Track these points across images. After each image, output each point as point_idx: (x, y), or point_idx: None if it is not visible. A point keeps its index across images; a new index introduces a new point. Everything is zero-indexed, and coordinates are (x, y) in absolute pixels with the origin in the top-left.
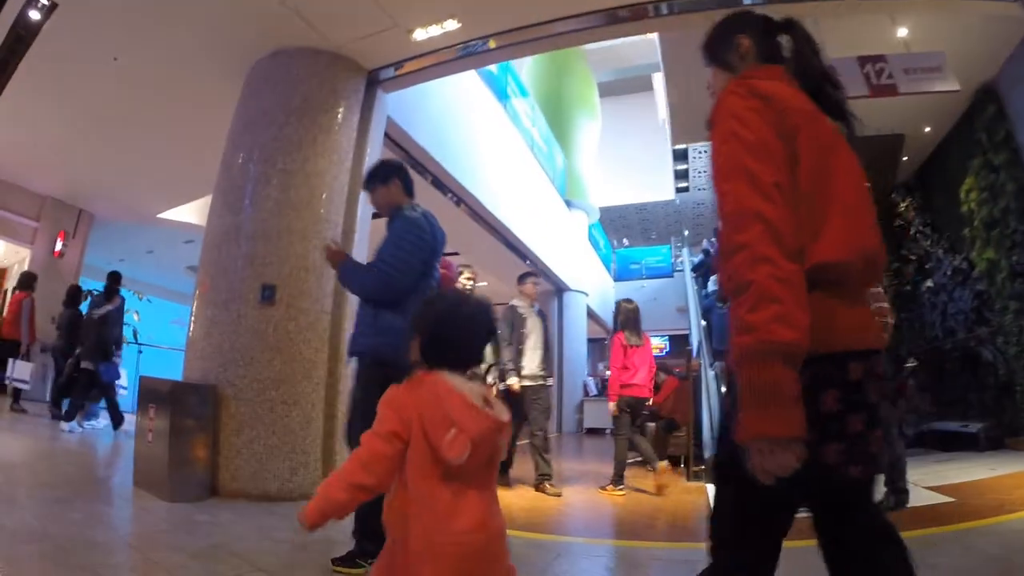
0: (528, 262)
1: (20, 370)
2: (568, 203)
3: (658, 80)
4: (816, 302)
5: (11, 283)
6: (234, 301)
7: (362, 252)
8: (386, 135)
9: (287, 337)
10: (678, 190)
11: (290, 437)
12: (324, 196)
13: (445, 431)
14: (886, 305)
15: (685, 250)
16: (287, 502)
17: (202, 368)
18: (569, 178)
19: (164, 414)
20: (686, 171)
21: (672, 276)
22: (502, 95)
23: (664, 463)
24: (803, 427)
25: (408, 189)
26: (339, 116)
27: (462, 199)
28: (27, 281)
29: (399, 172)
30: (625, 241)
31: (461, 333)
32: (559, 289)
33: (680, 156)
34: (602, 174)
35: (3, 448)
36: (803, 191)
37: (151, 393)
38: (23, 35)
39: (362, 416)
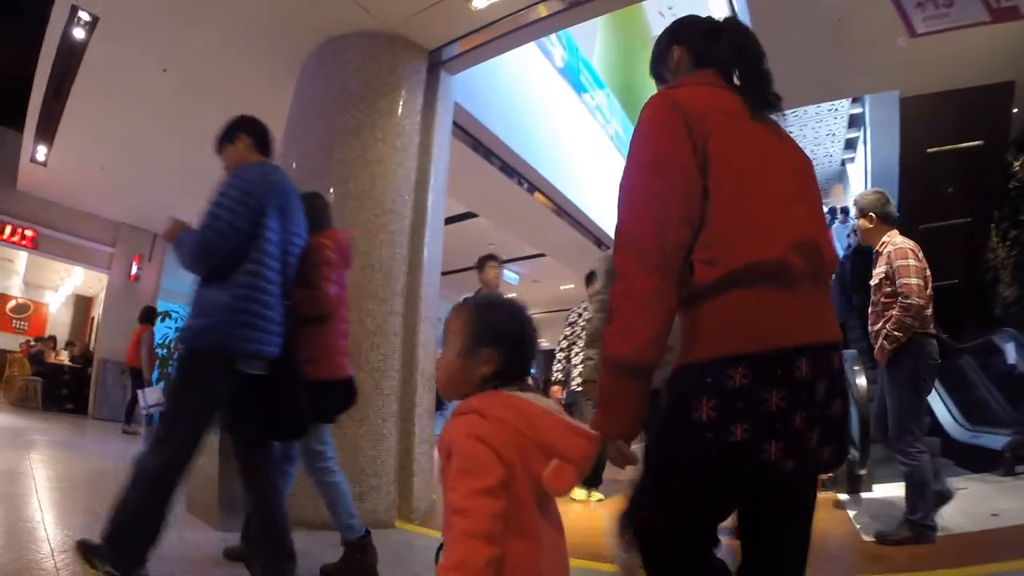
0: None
1: (151, 396)
2: None
3: None
4: (758, 299)
5: (97, 310)
6: None
7: (435, 248)
8: (454, 123)
9: (352, 343)
10: None
11: (358, 457)
12: (387, 185)
13: (544, 461)
14: (912, 281)
15: None
16: None
17: None
18: None
19: (213, 433)
20: None
21: None
22: (577, 85)
23: None
24: (629, 431)
25: (261, 146)
26: (401, 100)
27: (538, 187)
28: (147, 315)
29: (246, 127)
30: None
31: (534, 340)
32: None
33: None
34: None
35: (68, 467)
36: (719, 193)
37: None
38: (72, 62)
39: (174, 420)
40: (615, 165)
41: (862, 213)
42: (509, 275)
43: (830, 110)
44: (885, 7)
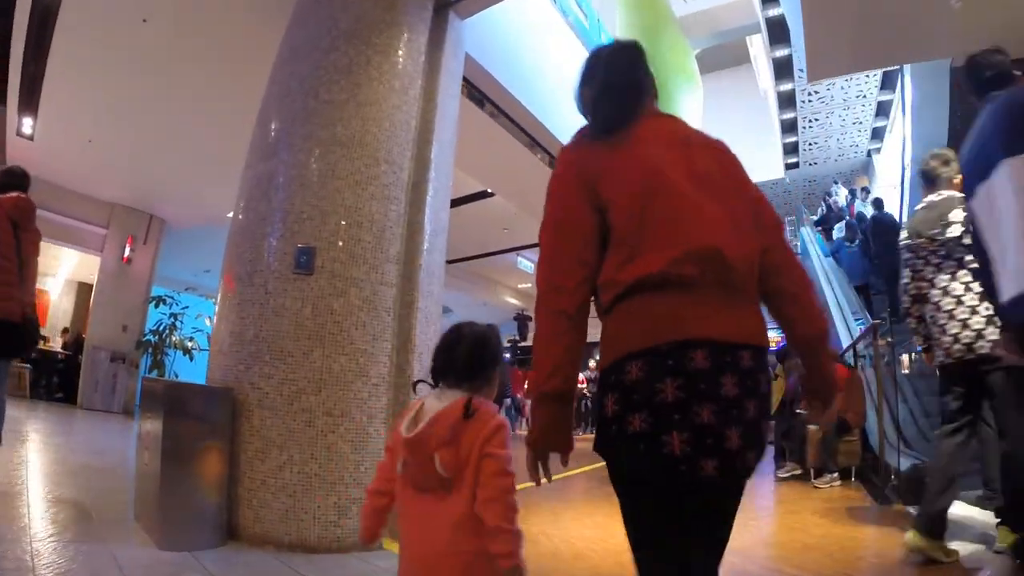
0: None
1: None
2: None
3: (757, 40)
4: (648, 304)
5: None
6: (259, 273)
7: (440, 209)
8: (467, 80)
9: (332, 320)
10: (787, 166)
11: (337, 462)
12: (382, 131)
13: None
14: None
15: (805, 230)
16: (333, 554)
17: (222, 367)
18: None
19: (158, 426)
20: (795, 144)
21: None
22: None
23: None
24: (553, 446)
25: None
26: (402, 37)
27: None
28: None
29: None
30: None
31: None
32: None
33: (788, 128)
34: None
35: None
36: (614, 225)
37: (149, 398)
38: (48, 19)
39: None
40: None
41: None
42: (524, 263)
43: (858, 96)
44: None
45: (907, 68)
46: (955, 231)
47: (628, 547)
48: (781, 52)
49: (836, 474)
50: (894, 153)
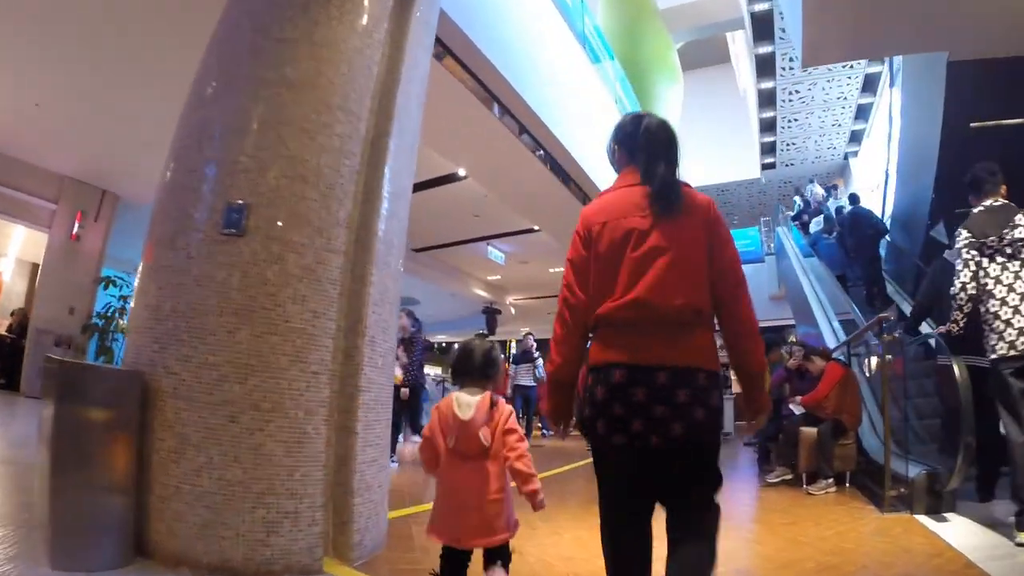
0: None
1: None
2: None
3: (739, 38)
4: (602, 336)
5: None
6: (183, 234)
7: (403, 172)
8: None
9: (264, 292)
10: (764, 167)
11: (266, 468)
12: (337, 75)
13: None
14: None
15: (781, 229)
16: None
17: (136, 346)
18: None
19: (49, 415)
20: (773, 144)
21: (763, 261)
22: (582, 38)
23: (830, 481)
24: (558, 417)
25: None
26: None
27: (536, 136)
28: None
29: None
30: None
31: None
32: None
33: (767, 127)
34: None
35: None
36: (594, 275)
37: (48, 381)
38: None
39: None
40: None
41: None
42: (494, 253)
43: (839, 98)
44: None
45: (897, 61)
46: (1021, 232)
47: None
48: (764, 49)
49: (831, 480)
50: (871, 157)
